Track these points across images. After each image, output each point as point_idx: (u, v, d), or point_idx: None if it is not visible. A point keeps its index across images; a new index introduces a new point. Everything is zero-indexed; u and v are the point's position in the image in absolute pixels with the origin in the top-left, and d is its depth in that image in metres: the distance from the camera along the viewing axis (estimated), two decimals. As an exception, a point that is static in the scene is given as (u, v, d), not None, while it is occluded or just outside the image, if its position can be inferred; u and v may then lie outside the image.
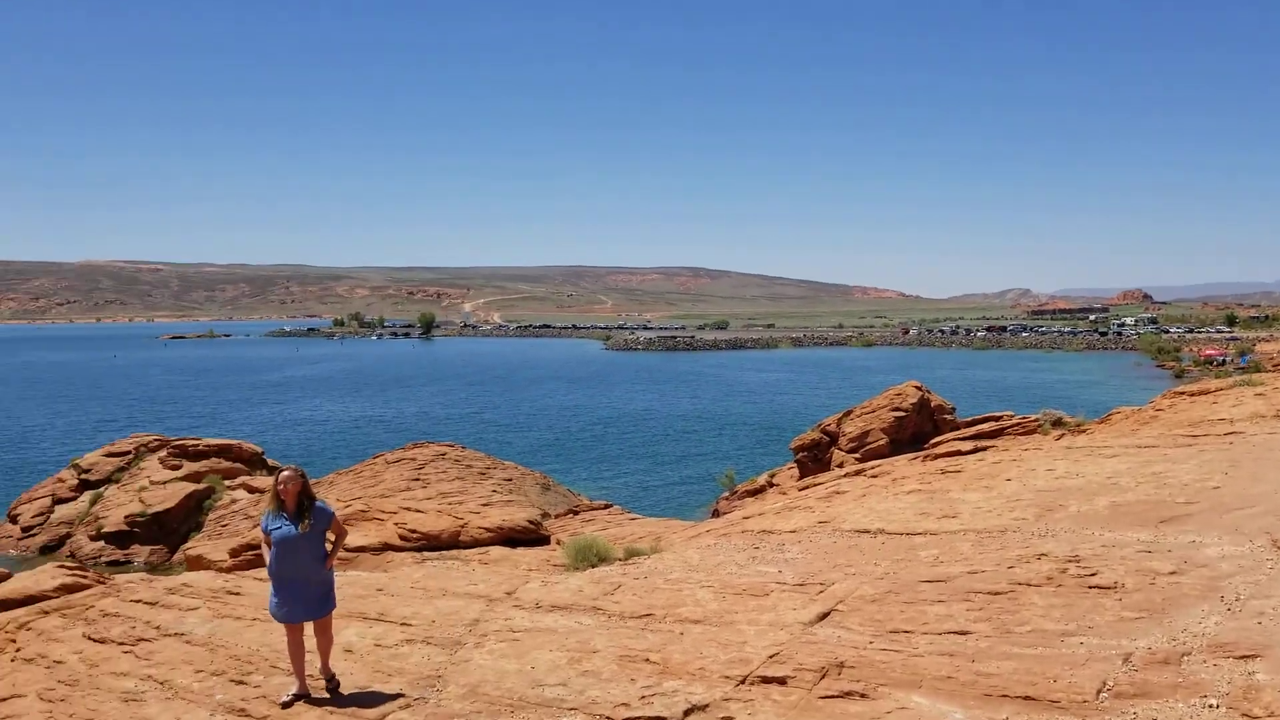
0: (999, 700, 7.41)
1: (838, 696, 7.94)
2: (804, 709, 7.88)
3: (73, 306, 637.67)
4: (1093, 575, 9.78)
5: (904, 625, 9.23)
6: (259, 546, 18.78)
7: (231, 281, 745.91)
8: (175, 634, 12.14)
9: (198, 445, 49.85)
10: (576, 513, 32.35)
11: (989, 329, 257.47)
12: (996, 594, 9.67)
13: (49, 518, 46.24)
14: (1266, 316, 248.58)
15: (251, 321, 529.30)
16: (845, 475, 27.93)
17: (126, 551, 42.80)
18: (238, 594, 13.54)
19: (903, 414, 42.90)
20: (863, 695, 7.89)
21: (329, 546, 9.47)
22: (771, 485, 44.69)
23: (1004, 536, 12.19)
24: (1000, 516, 13.43)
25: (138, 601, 13.82)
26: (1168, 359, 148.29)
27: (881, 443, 41.81)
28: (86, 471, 48.81)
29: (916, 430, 42.24)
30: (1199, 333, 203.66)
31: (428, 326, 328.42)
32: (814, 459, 44.35)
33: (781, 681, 8.38)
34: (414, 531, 19.55)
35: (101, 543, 43.39)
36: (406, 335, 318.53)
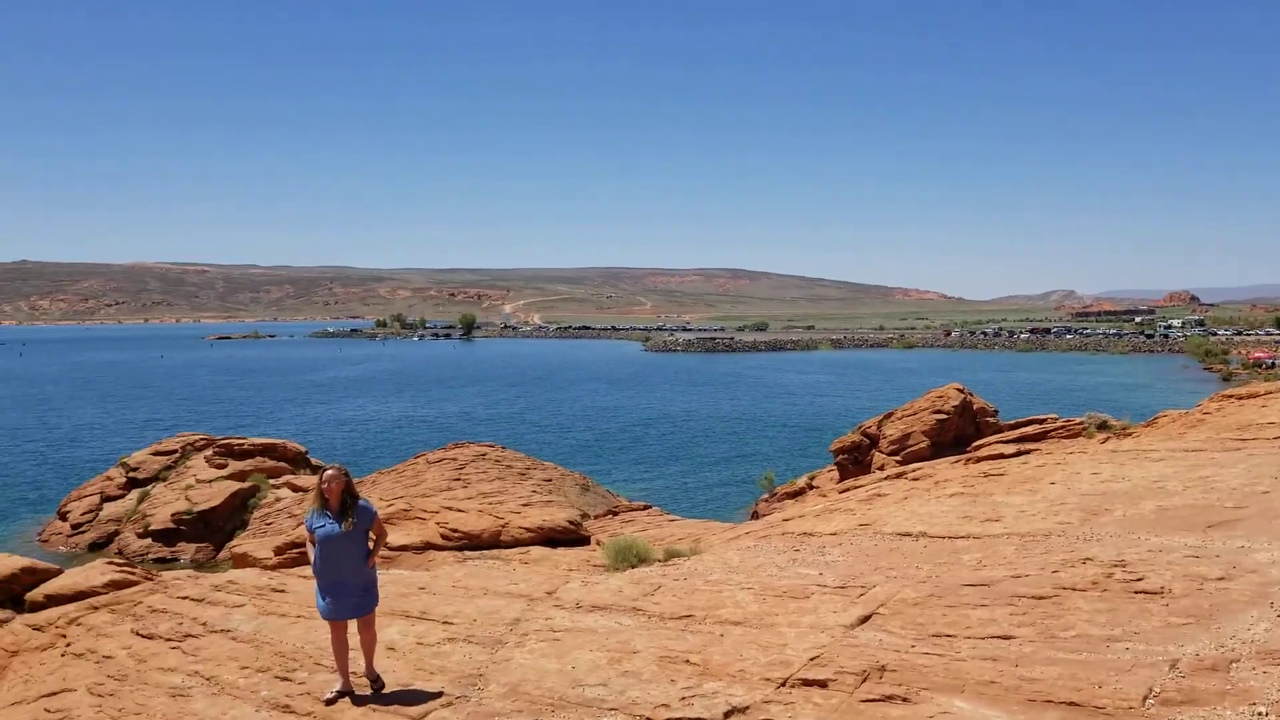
0: (1043, 706, 7.33)
1: (879, 700, 7.90)
2: (845, 712, 7.85)
3: (121, 307, 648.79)
4: (1139, 580, 9.65)
5: (946, 629, 9.15)
6: (303, 544, 18.99)
7: (276, 283, 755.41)
8: (221, 630, 12.32)
9: (243, 444, 50.55)
10: (616, 513, 32.39)
11: (1032, 331, 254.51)
12: (1040, 598, 9.56)
13: (98, 515, 47.06)
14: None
15: (295, 323, 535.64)
16: (886, 478, 27.75)
17: (173, 549, 43.47)
18: (282, 591, 13.71)
19: (944, 416, 42.54)
20: (904, 699, 7.84)
21: (372, 545, 9.56)
22: (811, 488, 44.51)
23: (1048, 540, 12.06)
24: (1044, 520, 13.29)
25: (185, 598, 14.03)
26: (1215, 362, 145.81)
27: (923, 445, 41.50)
28: (134, 470, 49.63)
29: (958, 433, 41.87)
30: (1247, 335, 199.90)
31: (468, 328, 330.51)
32: (854, 461, 44.09)
33: (822, 684, 8.35)
34: (455, 531, 19.68)
35: (149, 540, 44.10)
36: (448, 336, 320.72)
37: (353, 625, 9.49)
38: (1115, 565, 10.23)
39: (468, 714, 8.85)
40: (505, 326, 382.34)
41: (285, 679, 10.38)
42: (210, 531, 44.19)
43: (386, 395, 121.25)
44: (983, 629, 9.01)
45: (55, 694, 12.05)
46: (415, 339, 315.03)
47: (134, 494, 47.97)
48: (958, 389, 44.60)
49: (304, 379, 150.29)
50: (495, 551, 19.01)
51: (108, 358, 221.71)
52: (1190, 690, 7.10)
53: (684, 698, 8.49)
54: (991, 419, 43.01)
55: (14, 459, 70.55)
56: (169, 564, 40.27)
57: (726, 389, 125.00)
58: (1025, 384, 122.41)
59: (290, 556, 20.26)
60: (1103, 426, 26.79)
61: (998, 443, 29.24)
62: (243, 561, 22.70)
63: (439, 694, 9.35)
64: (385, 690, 9.49)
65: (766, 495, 48.40)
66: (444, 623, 11.49)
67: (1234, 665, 7.40)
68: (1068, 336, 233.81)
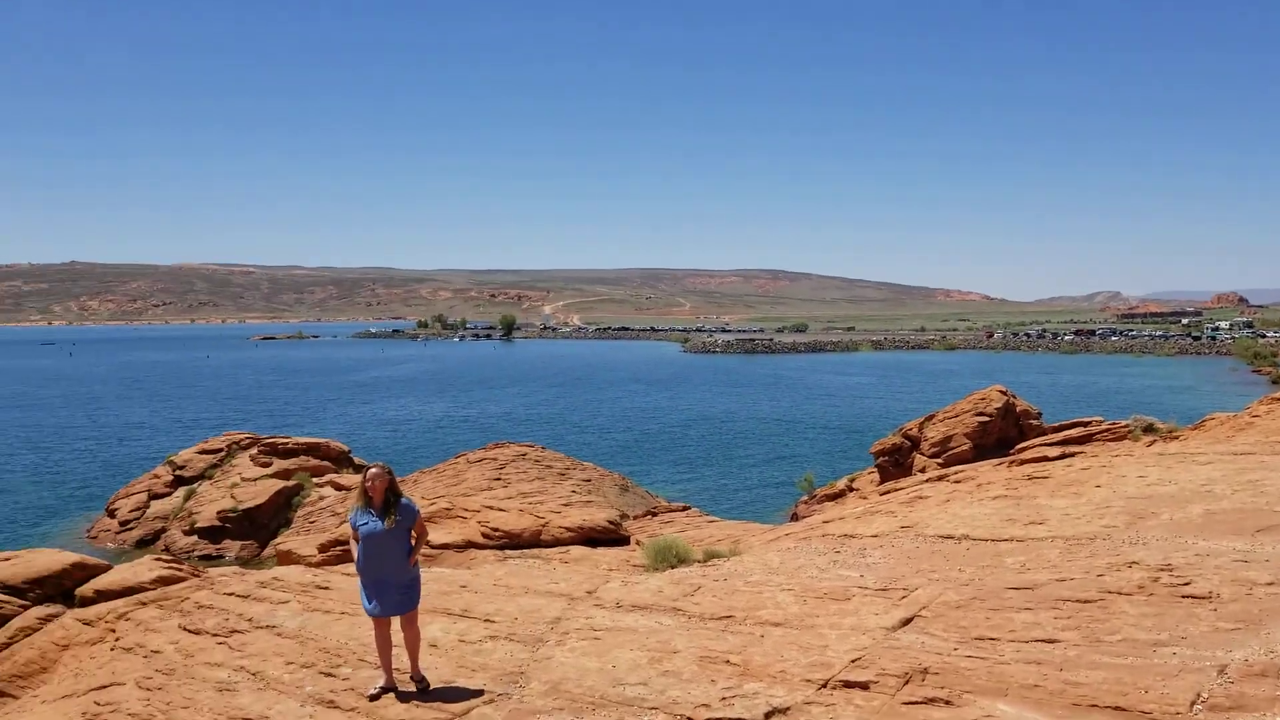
0: (1088, 710, 7.26)
1: (921, 703, 7.86)
2: (887, 714, 7.82)
3: (168, 308, 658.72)
4: (1186, 584, 9.53)
5: (989, 632, 9.09)
6: (347, 542, 19.22)
7: (320, 284, 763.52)
8: (267, 626, 12.48)
9: (287, 443, 51.19)
10: (655, 514, 32.41)
11: (1076, 333, 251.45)
12: (1086, 602, 9.47)
13: (145, 512, 47.83)
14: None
15: (339, 323, 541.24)
16: (928, 480, 27.56)
17: (218, 546, 44.08)
18: (326, 588, 13.87)
19: (987, 419, 42.12)
20: (947, 702, 7.79)
21: (414, 542, 9.65)
22: (851, 490, 44.27)
23: (1093, 544, 11.93)
24: (1089, 523, 13.15)
25: (231, 594, 14.23)
26: (1264, 364, 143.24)
27: (965, 448, 41.12)
28: (181, 468, 50.40)
29: (1001, 436, 41.45)
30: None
31: (509, 328, 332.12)
32: (895, 464, 43.78)
33: (864, 686, 8.33)
34: (496, 530, 19.80)
35: (195, 537, 44.75)
36: (488, 337, 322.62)
37: (396, 622, 9.59)
38: (1162, 569, 10.11)
39: (509, 711, 8.91)
40: (545, 327, 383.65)
41: (329, 675, 10.50)
42: (255, 529, 44.76)
43: (428, 395, 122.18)
44: (1027, 632, 8.95)
45: (105, 687, 12.26)
46: (456, 340, 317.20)
47: (180, 492, 48.71)
48: (1000, 391, 44.14)
49: (347, 379, 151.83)
50: (535, 551, 19.10)
51: (155, 357, 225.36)
52: (1239, 696, 7.01)
53: (724, 698, 8.50)
54: (1035, 422, 42.52)
55: (65, 457, 71.91)
56: (214, 561, 40.83)
57: (766, 390, 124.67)
58: (1069, 386, 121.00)
59: (334, 554, 20.48)
60: (1149, 429, 26.46)
61: (1041, 445, 28.95)
62: (287, 559, 22.98)
63: (481, 691, 9.42)
64: (430, 689, 9.59)
65: (806, 497, 48.20)
66: (485, 621, 11.57)
67: (1285, 671, 7.29)
68: (1113, 338, 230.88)
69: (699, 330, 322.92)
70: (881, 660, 8.73)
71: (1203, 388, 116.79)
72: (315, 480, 47.68)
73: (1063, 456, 24.58)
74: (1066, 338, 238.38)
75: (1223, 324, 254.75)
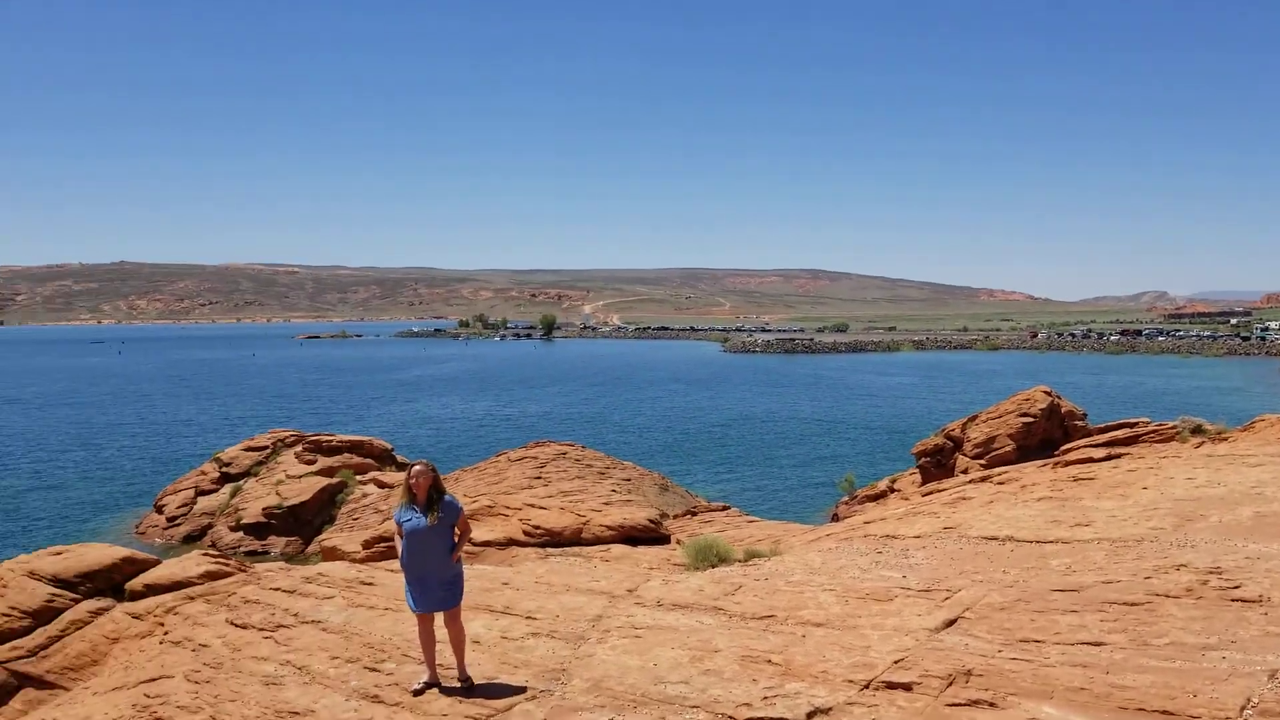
0: (1135, 714, 7.18)
1: (965, 705, 7.80)
2: (930, 716, 7.77)
3: (214, 307, 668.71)
4: (1236, 588, 9.39)
5: (1034, 634, 9.01)
6: (391, 539, 19.41)
7: (363, 284, 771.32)
8: (312, 621, 12.63)
9: (331, 441, 51.75)
10: (694, 514, 32.39)
11: (1122, 333, 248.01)
12: (1133, 605, 9.36)
13: (192, 508, 48.54)
14: None
15: (381, 322, 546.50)
16: (970, 481, 27.35)
17: (264, 542, 44.66)
18: (371, 584, 14.01)
19: (1031, 420, 41.66)
20: (991, 704, 7.73)
21: (456, 539, 9.73)
22: (893, 490, 43.99)
23: (1140, 546, 11.79)
24: (1136, 525, 12.99)
25: (277, 590, 14.41)
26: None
27: (1008, 449, 40.70)
28: (227, 465, 51.11)
29: (1045, 437, 40.98)
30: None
31: (549, 328, 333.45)
32: (937, 464, 43.43)
33: (907, 688, 8.28)
34: (538, 528, 19.91)
35: (240, 533, 45.36)
36: (528, 336, 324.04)
37: (439, 618, 9.68)
38: (1211, 572, 9.97)
39: (552, 708, 8.96)
40: (585, 327, 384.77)
41: (374, 669, 10.62)
42: (299, 525, 45.28)
43: (469, 394, 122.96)
44: (1072, 635, 8.86)
45: (154, 680, 12.48)
46: (497, 339, 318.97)
47: (227, 488, 49.39)
48: (1045, 391, 43.63)
49: (390, 378, 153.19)
50: (576, 549, 19.18)
51: (202, 356, 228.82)
52: (1291, 702, 6.89)
53: (766, 697, 8.49)
54: (1080, 423, 42.00)
55: (114, 454, 73.19)
56: (260, 557, 41.32)
57: (806, 390, 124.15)
58: (1115, 387, 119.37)
59: (378, 550, 20.69)
60: (1197, 431, 26.07)
61: (1087, 446, 28.59)
62: (332, 555, 23.24)
63: (523, 688, 9.47)
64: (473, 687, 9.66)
65: (847, 498, 47.98)
66: (527, 618, 11.64)
67: (1338, 677, 7.17)
68: (1160, 339, 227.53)
69: (739, 330, 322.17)
70: (924, 661, 8.68)
71: (1252, 389, 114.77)
72: (358, 478, 48.15)
73: (1109, 458, 24.30)
74: (1112, 338, 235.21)
75: (1273, 324, 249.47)
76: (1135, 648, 8.36)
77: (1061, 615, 9.40)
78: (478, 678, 9.75)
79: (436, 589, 9.49)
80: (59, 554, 18.45)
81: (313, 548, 41.32)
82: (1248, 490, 14.25)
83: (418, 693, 9.67)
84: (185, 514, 48.18)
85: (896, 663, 8.78)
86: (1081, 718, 7.29)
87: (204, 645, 12.94)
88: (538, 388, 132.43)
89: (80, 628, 16.58)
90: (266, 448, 52.27)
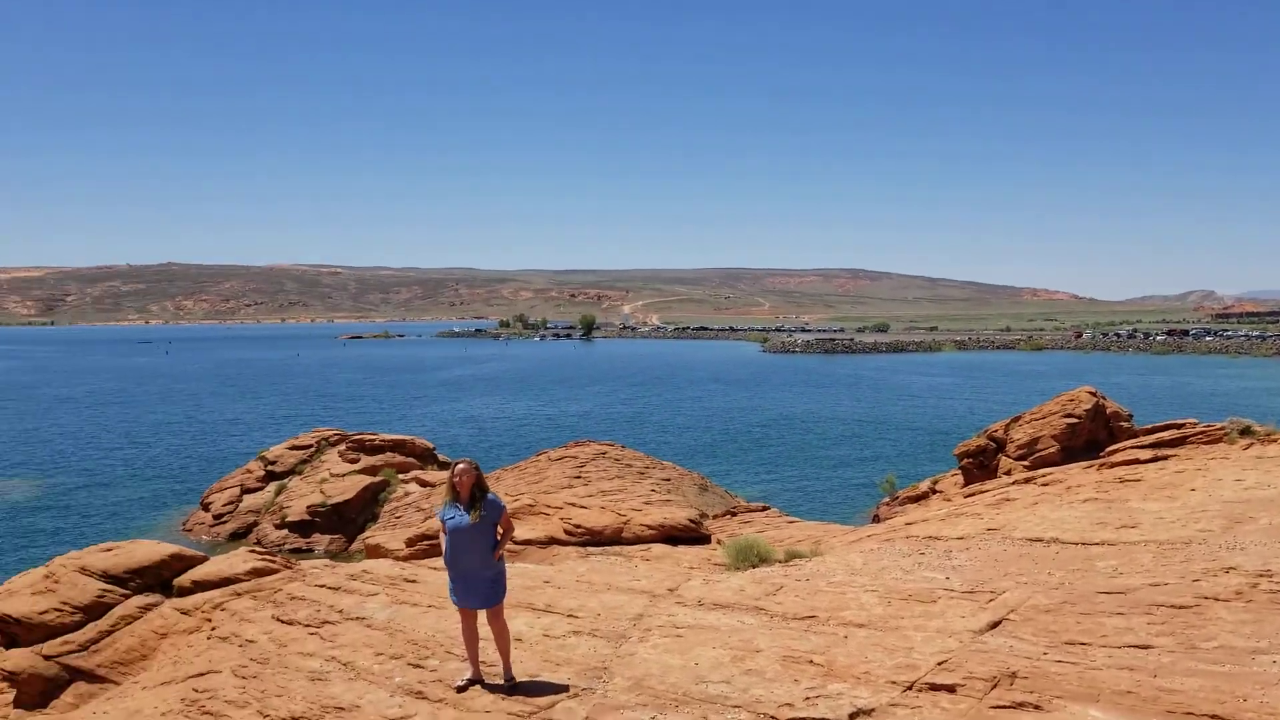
0: (1183, 718, 7.10)
1: (1010, 707, 7.75)
2: (974, 719, 7.73)
3: (260, 307, 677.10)
4: (1288, 592, 9.24)
5: (1080, 637, 8.93)
6: (434, 537, 19.56)
7: (405, 284, 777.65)
8: (357, 618, 12.77)
9: (374, 440, 52.20)
10: (734, 514, 32.34)
11: (1169, 333, 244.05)
12: (1180, 608, 9.25)
13: (238, 506, 49.17)
14: None
15: (423, 322, 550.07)
16: (1014, 483, 27.09)
17: (308, 540, 45.15)
18: (414, 581, 14.13)
19: (1075, 420, 41.10)
20: (1036, 707, 7.68)
21: (499, 537, 9.80)
22: (935, 492, 43.61)
23: (1188, 548, 11.63)
24: (1184, 528, 12.82)
25: (322, 586, 14.58)
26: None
27: (1052, 450, 40.18)
28: (272, 463, 51.72)
29: (1090, 438, 40.40)
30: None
31: (588, 328, 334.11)
32: (979, 466, 42.97)
33: (950, 689, 8.24)
34: (579, 527, 19.97)
35: (285, 531, 45.89)
36: (568, 336, 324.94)
37: (482, 615, 9.76)
38: (1261, 575, 9.82)
39: (594, 706, 9.01)
40: (624, 327, 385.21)
41: (418, 666, 10.72)
42: (343, 523, 45.73)
43: (510, 394, 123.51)
44: (1119, 638, 8.77)
45: (202, 675, 12.67)
46: (537, 339, 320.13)
47: (272, 486, 49.96)
48: (1090, 392, 43.03)
49: (431, 377, 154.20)
50: (617, 548, 19.22)
51: (247, 355, 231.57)
52: (1345, 708, 6.78)
53: (808, 698, 8.48)
54: (1125, 424, 41.37)
55: (161, 452, 74.32)
56: (304, 554, 41.76)
57: (847, 391, 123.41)
58: (1161, 388, 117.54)
59: (421, 548, 20.85)
60: (1246, 432, 25.59)
61: (1133, 448, 28.16)
62: (376, 552, 23.46)
63: (565, 686, 9.53)
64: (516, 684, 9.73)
65: (888, 499, 47.63)
66: (569, 616, 11.69)
67: (1393, 683, 7.04)
68: (1207, 339, 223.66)
69: (778, 330, 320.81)
70: (968, 663, 8.63)
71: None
72: (401, 476, 48.54)
73: (1155, 459, 23.95)
74: (1158, 338, 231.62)
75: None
76: (1183, 651, 8.26)
77: (1108, 618, 9.30)
78: (520, 675, 9.82)
79: (479, 586, 9.57)
80: (109, 550, 18.78)
81: (356, 545, 41.72)
82: (1299, 493, 14.01)
83: (461, 689, 9.75)
84: (231, 511, 48.81)
85: (940, 664, 8.74)
86: (1128, 721, 7.22)
87: (251, 641, 13.11)
88: (577, 388, 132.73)
89: (130, 623, 16.87)
90: (311, 446, 52.80)
